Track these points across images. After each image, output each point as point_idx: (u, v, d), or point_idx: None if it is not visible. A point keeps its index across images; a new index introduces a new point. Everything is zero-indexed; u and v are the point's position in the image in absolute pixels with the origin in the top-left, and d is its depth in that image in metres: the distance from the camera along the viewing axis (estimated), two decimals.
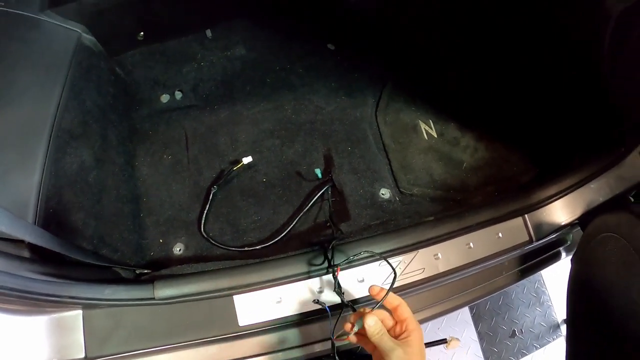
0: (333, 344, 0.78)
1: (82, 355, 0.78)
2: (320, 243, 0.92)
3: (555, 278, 1.51)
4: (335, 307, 0.85)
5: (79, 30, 1.14)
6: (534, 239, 0.99)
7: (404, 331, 0.71)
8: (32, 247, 0.76)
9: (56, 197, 0.88)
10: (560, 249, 1.16)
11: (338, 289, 0.83)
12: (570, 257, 1.07)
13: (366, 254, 0.88)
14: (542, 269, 1.14)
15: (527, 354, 1.43)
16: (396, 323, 0.73)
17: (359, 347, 0.80)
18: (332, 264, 0.85)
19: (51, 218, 0.85)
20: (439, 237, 0.96)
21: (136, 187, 1.20)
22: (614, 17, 0.99)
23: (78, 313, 0.78)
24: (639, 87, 1.01)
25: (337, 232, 1.07)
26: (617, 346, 0.82)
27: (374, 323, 0.68)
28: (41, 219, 0.82)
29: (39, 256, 0.77)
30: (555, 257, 1.16)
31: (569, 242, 1.16)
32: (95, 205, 1.00)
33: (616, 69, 1.06)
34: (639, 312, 0.76)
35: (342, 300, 0.83)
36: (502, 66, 1.34)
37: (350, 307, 0.82)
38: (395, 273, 0.81)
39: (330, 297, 0.87)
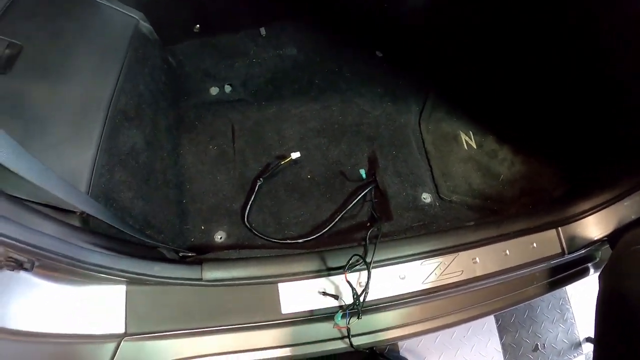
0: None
1: (122, 330, 0.78)
2: (361, 240, 0.94)
3: (579, 297, 1.53)
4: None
5: (136, 17, 1.18)
6: (566, 251, 1.02)
7: None
8: (83, 219, 0.78)
9: (108, 174, 0.91)
10: (589, 264, 1.17)
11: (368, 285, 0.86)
12: (597, 274, 1.10)
13: (405, 252, 0.91)
14: (570, 283, 1.16)
15: None
16: None
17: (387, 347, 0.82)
18: (368, 260, 0.88)
19: (102, 193, 0.88)
20: (478, 241, 0.99)
21: (181, 174, 1.23)
22: None
23: (121, 288, 0.79)
24: None
25: (378, 228, 1.09)
26: None
27: None
28: (93, 193, 0.85)
29: (89, 228, 0.79)
30: (584, 272, 1.17)
31: (597, 259, 1.18)
32: (143, 186, 1.03)
33: None
34: None
35: (356, 297, 0.86)
36: (543, 82, 1.38)
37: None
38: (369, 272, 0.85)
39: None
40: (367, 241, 0.93)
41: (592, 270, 1.19)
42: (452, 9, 1.39)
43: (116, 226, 0.79)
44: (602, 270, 1.04)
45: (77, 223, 0.78)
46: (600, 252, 1.19)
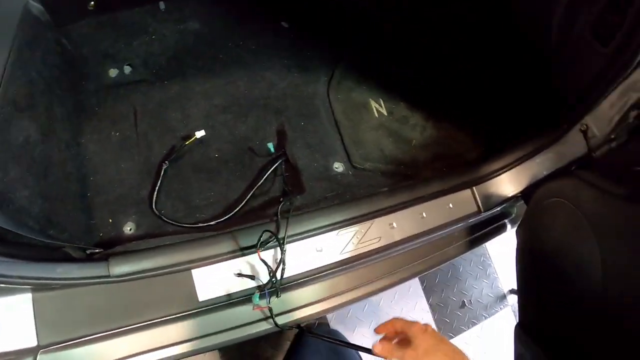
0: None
1: (34, 343, 0.74)
2: (273, 215, 0.92)
3: (499, 251, 1.59)
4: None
5: None
6: (482, 209, 1.05)
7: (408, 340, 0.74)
8: None
9: (1, 172, 0.83)
10: (506, 221, 1.22)
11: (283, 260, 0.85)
12: (514, 228, 1.14)
13: (315, 224, 0.90)
14: (488, 240, 1.20)
15: (477, 323, 1.50)
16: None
17: (316, 322, 0.82)
18: (281, 236, 0.87)
19: None
20: (393, 206, 1.00)
21: (83, 165, 1.15)
22: (563, 4, 1.05)
23: (27, 296, 0.75)
24: (576, 73, 1.08)
25: (289, 202, 1.08)
26: (570, 305, 0.86)
27: (379, 348, 0.75)
28: None
29: None
30: (501, 228, 1.22)
31: (513, 215, 1.23)
32: (41, 182, 0.96)
33: (559, 55, 1.13)
34: (588, 269, 0.81)
35: (272, 275, 0.85)
36: (451, 47, 1.39)
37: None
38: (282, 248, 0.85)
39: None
40: (279, 216, 0.91)
41: (509, 226, 1.24)
42: None
43: (10, 229, 0.73)
44: (518, 225, 1.09)
45: None
46: (515, 208, 1.24)
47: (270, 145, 1.18)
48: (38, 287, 0.75)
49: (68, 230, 0.99)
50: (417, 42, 1.43)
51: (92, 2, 1.24)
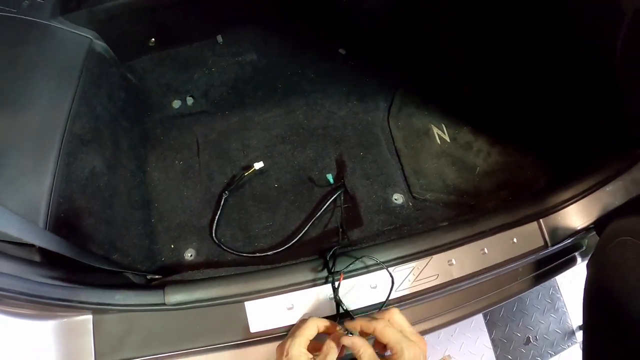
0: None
1: None
2: (330, 249, 0.91)
3: (570, 284, 1.49)
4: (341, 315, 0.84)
5: (90, 37, 1.15)
6: (549, 244, 0.97)
7: (394, 354, 0.68)
8: (42, 251, 0.76)
9: (67, 202, 0.88)
10: (576, 254, 1.14)
11: (337, 297, 0.82)
12: (585, 262, 1.05)
13: (370, 261, 0.87)
14: (557, 275, 1.12)
15: None
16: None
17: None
18: (331, 271, 0.84)
19: (62, 223, 0.85)
20: (452, 242, 0.95)
21: (147, 192, 1.20)
22: (627, 19, 0.98)
23: (88, 318, 0.78)
24: None
25: (344, 238, 1.07)
26: (638, 353, 0.79)
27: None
28: (52, 223, 0.83)
29: (49, 260, 0.77)
30: (571, 262, 1.14)
31: (584, 247, 1.14)
32: (107, 210, 1.01)
33: (628, 75, 1.05)
34: None
35: (340, 309, 0.82)
36: (516, 69, 1.33)
37: (348, 314, 0.81)
38: (392, 282, 0.82)
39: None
40: (335, 252, 0.89)
41: (579, 259, 1.16)
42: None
43: (74, 257, 0.76)
44: (590, 258, 1.01)
45: (36, 257, 0.76)
46: (587, 240, 1.15)
47: (330, 177, 1.17)
48: (98, 311, 0.78)
49: (131, 255, 1.03)
50: (479, 62, 1.38)
51: (153, 39, 1.30)
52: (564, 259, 1.12)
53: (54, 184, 0.86)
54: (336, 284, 0.83)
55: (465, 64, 1.39)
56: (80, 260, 0.77)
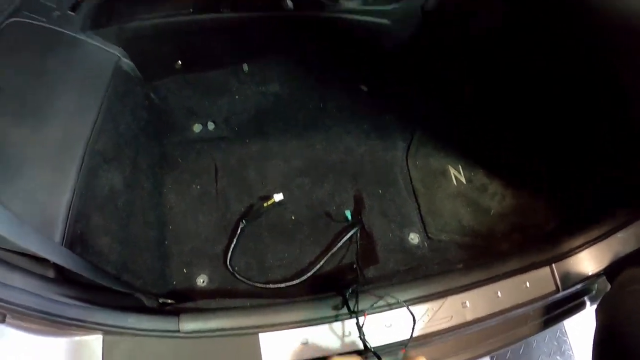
0: None
1: None
2: (345, 286, 0.90)
3: (577, 327, 1.49)
4: (360, 352, 0.83)
5: (117, 54, 1.16)
6: (560, 288, 0.98)
7: None
8: (57, 267, 0.76)
9: (84, 219, 0.88)
10: (585, 298, 1.14)
11: (363, 336, 0.82)
12: (594, 306, 1.05)
13: (391, 300, 0.88)
14: (565, 319, 1.11)
15: None
16: None
17: None
18: (354, 310, 0.84)
19: (78, 240, 0.85)
20: (467, 285, 0.95)
21: (163, 214, 1.20)
22: None
23: (98, 338, 0.76)
24: None
25: (361, 277, 1.07)
26: None
27: None
28: (68, 239, 0.82)
29: (63, 277, 0.77)
30: (580, 306, 1.13)
31: (593, 292, 1.14)
32: (122, 230, 1.00)
33: None
34: None
35: (366, 346, 0.82)
36: (534, 116, 1.35)
37: (375, 354, 0.81)
38: (414, 321, 0.83)
39: (356, 341, 0.85)
40: (350, 289, 0.89)
41: (588, 304, 1.15)
42: (440, 44, 1.37)
43: (89, 276, 0.75)
44: (599, 304, 1.00)
45: (51, 273, 0.76)
46: (596, 285, 1.16)
47: (348, 213, 1.18)
48: (109, 332, 0.77)
49: (143, 277, 1.02)
50: (497, 107, 1.40)
51: (179, 62, 1.32)
52: (574, 303, 1.12)
53: (72, 200, 0.85)
54: (360, 322, 0.82)
55: (482, 107, 1.41)
56: (95, 280, 0.76)
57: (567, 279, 1.00)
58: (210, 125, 1.35)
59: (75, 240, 0.83)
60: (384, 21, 1.29)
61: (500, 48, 1.32)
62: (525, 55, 1.31)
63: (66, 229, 0.82)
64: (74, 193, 0.86)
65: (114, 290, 0.84)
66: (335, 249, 1.13)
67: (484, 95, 1.41)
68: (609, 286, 1.02)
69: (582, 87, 1.25)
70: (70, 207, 0.84)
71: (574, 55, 1.20)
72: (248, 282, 1.10)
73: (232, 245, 1.14)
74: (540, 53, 1.27)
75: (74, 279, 0.78)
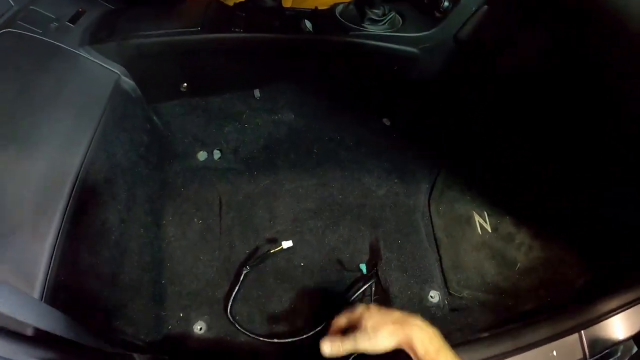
0: None
1: None
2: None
3: None
4: None
5: (118, 72, 1.06)
6: (587, 356, 0.89)
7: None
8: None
9: (70, 263, 0.77)
10: None
11: None
12: None
13: None
14: None
15: None
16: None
17: None
18: None
19: (61, 288, 0.74)
20: (492, 357, 0.87)
21: (160, 250, 1.10)
22: None
23: None
24: None
25: None
26: None
27: (328, 347, 0.67)
28: (50, 288, 0.71)
29: (43, 336, 0.66)
30: None
31: (619, 354, 1.07)
32: (114, 271, 0.91)
33: None
34: None
35: None
36: (568, 160, 1.25)
37: None
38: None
39: None
40: None
41: None
42: (472, 77, 1.26)
43: (71, 338, 0.66)
44: None
45: (29, 330, 0.66)
46: (622, 346, 1.08)
47: (363, 267, 1.08)
48: None
49: (135, 322, 0.94)
50: (529, 147, 1.29)
51: (185, 85, 1.21)
52: None
53: (57, 242, 0.74)
54: None
55: (511, 149, 1.31)
56: (78, 341, 0.67)
57: (596, 344, 0.91)
58: (217, 154, 1.24)
59: (58, 287, 0.73)
60: (413, 50, 1.17)
61: (538, 83, 1.21)
62: (566, 92, 1.21)
63: (48, 275, 0.71)
64: (59, 233, 0.75)
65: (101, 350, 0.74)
66: (347, 303, 1.03)
67: (515, 133, 1.31)
68: (635, 348, 0.94)
69: (622, 131, 1.15)
70: (54, 249, 0.73)
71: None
72: (250, 335, 1.00)
73: (234, 294, 1.03)
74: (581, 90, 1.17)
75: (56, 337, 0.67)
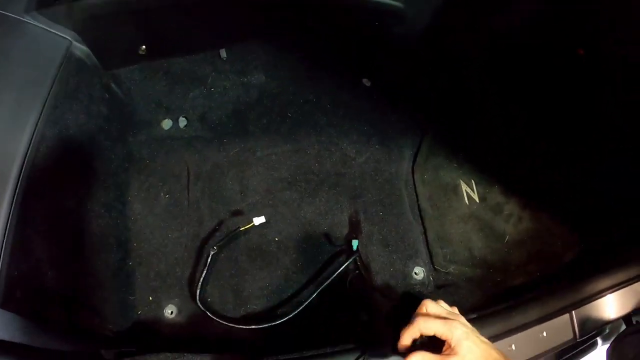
0: None
1: None
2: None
3: None
4: None
5: (69, 38, 0.93)
6: (577, 336, 0.89)
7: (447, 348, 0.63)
8: None
9: (23, 255, 0.71)
10: (598, 338, 1.05)
11: None
12: (605, 346, 0.98)
13: None
14: None
15: None
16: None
17: None
18: None
19: (16, 282, 0.68)
20: None
21: (126, 229, 1.02)
22: None
23: None
24: None
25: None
26: None
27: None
28: (2, 285, 0.65)
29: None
30: (592, 346, 1.05)
31: (607, 331, 1.05)
32: (74, 258, 0.85)
33: None
34: None
35: None
36: (563, 131, 1.17)
37: None
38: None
39: None
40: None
41: (600, 342, 1.08)
42: (462, 36, 1.16)
43: (30, 344, 0.65)
44: (612, 344, 0.92)
45: None
46: (610, 324, 1.07)
47: (355, 243, 0.98)
48: None
49: (102, 311, 0.88)
50: (521, 111, 1.21)
51: (143, 47, 1.09)
52: (586, 345, 1.03)
53: (6, 232, 0.68)
54: None
55: (503, 112, 1.23)
56: (34, 345, 0.65)
57: (586, 325, 0.91)
58: (182, 122, 1.14)
59: (12, 284, 0.67)
60: (397, 4, 1.06)
61: (533, 44, 1.12)
62: (562, 58, 1.14)
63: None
64: (7, 223, 0.68)
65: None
66: (327, 282, 0.94)
67: (510, 100, 1.23)
68: (623, 326, 0.95)
69: (619, 100, 1.10)
70: (3, 242, 0.67)
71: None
72: (222, 321, 0.92)
73: (202, 278, 0.95)
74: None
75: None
